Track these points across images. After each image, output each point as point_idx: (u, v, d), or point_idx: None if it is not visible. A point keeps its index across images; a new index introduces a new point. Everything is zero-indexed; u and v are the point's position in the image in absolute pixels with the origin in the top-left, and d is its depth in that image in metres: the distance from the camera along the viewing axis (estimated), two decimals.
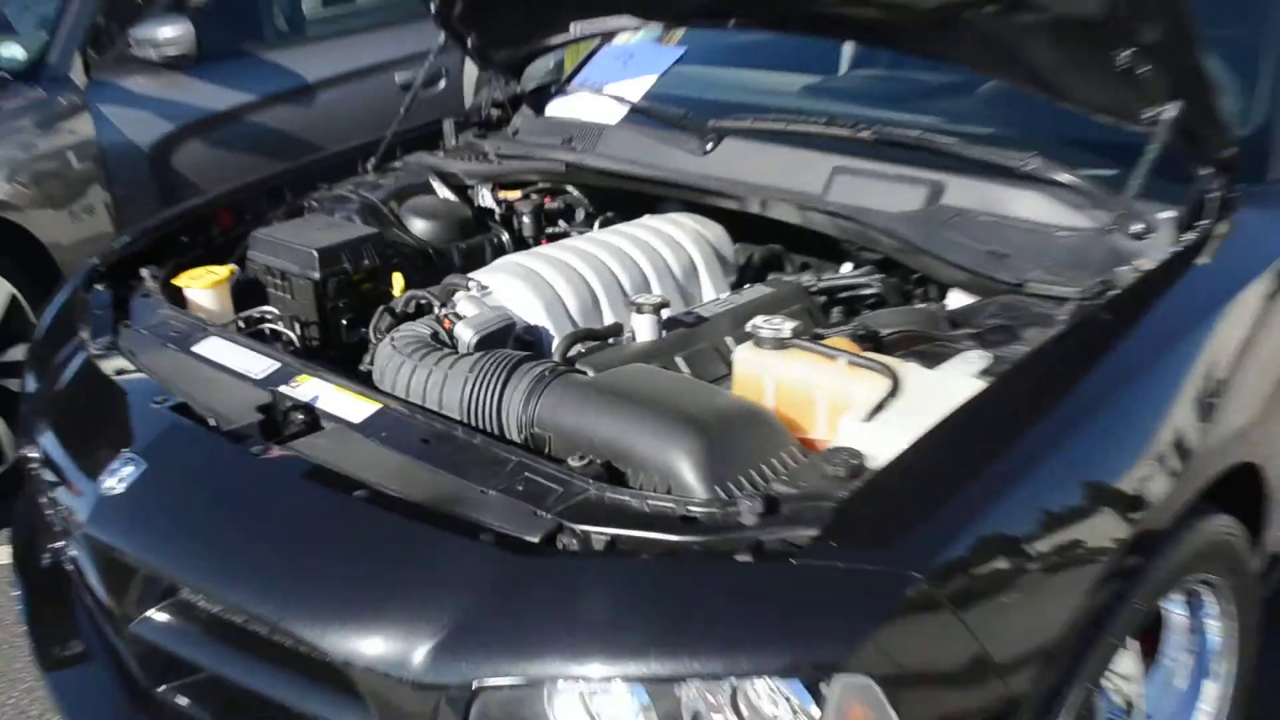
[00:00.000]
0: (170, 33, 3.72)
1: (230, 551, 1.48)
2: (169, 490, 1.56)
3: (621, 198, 2.37)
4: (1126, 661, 1.62)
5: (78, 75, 3.71)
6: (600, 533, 1.33)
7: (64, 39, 3.75)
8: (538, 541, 1.33)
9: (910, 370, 1.55)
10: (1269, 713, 2.19)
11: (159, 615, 1.59)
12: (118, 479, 1.56)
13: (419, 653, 1.28)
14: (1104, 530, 1.39)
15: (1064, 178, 1.87)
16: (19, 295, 3.36)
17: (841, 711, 1.18)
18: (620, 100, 2.59)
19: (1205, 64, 1.65)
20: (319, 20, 4.65)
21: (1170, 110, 1.68)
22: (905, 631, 1.21)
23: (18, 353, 3.35)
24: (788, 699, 1.20)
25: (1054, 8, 1.62)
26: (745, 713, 1.23)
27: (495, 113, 2.79)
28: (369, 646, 1.31)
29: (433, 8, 2.58)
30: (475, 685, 1.26)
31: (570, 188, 2.46)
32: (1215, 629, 1.79)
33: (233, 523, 1.51)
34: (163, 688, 1.61)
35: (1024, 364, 1.53)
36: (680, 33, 2.93)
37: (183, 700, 1.59)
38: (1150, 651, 1.74)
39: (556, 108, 2.77)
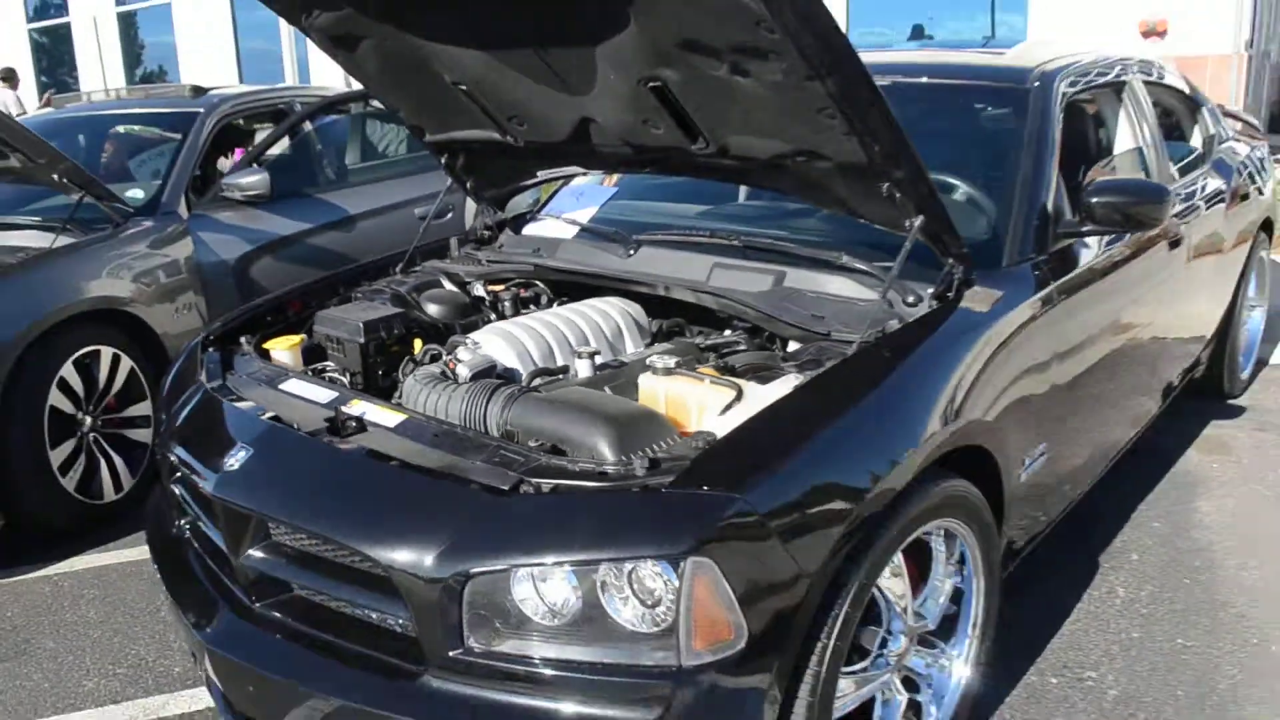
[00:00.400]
0: (251, 180, 4.03)
1: (309, 500, 1.81)
2: (268, 466, 1.90)
3: (571, 287, 2.66)
4: (899, 583, 1.98)
5: (182, 210, 3.97)
6: (546, 482, 1.68)
7: (172, 185, 4.09)
8: (507, 489, 1.68)
9: (749, 386, 1.94)
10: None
11: (257, 551, 1.92)
12: (235, 460, 1.90)
13: (430, 558, 1.62)
14: (865, 480, 1.74)
15: (860, 266, 2.28)
16: (136, 367, 3.66)
17: (692, 582, 1.53)
18: (573, 223, 2.97)
19: (937, 192, 2.07)
20: (358, 170, 4.88)
21: (917, 221, 2.10)
22: (733, 531, 1.57)
23: (136, 409, 3.66)
24: (659, 574, 1.56)
25: (836, 158, 2.04)
26: (635, 585, 1.57)
27: (486, 233, 3.10)
28: (400, 555, 1.64)
29: (443, 161, 2.99)
30: (468, 573, 1.60)
31: (538, 281, 2.73)
32: (968, 558, 2.13)
33: (310, 483, 1.85)
34: (259, 604, 1.94)
35: (818, 378, 1.92)
36: (616, 176, 3.34)
37: (275, 613, 1.90)
38: (924, 575, 2.09)
39: (530, 229, 3.09)
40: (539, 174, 2.94)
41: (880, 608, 1.94)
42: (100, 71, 13.59)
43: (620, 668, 1.57)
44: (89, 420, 3.47)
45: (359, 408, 2.02)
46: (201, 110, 4.33)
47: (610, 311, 2.47)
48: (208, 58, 14.55)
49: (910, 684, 2.10)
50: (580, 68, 2.17)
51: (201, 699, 2.52)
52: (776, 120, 2.01)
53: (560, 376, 2.17)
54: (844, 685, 1.85)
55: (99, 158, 4.48)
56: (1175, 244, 3.11)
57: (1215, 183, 3.66)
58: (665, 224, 2.76)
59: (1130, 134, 3.23)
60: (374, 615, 1.78)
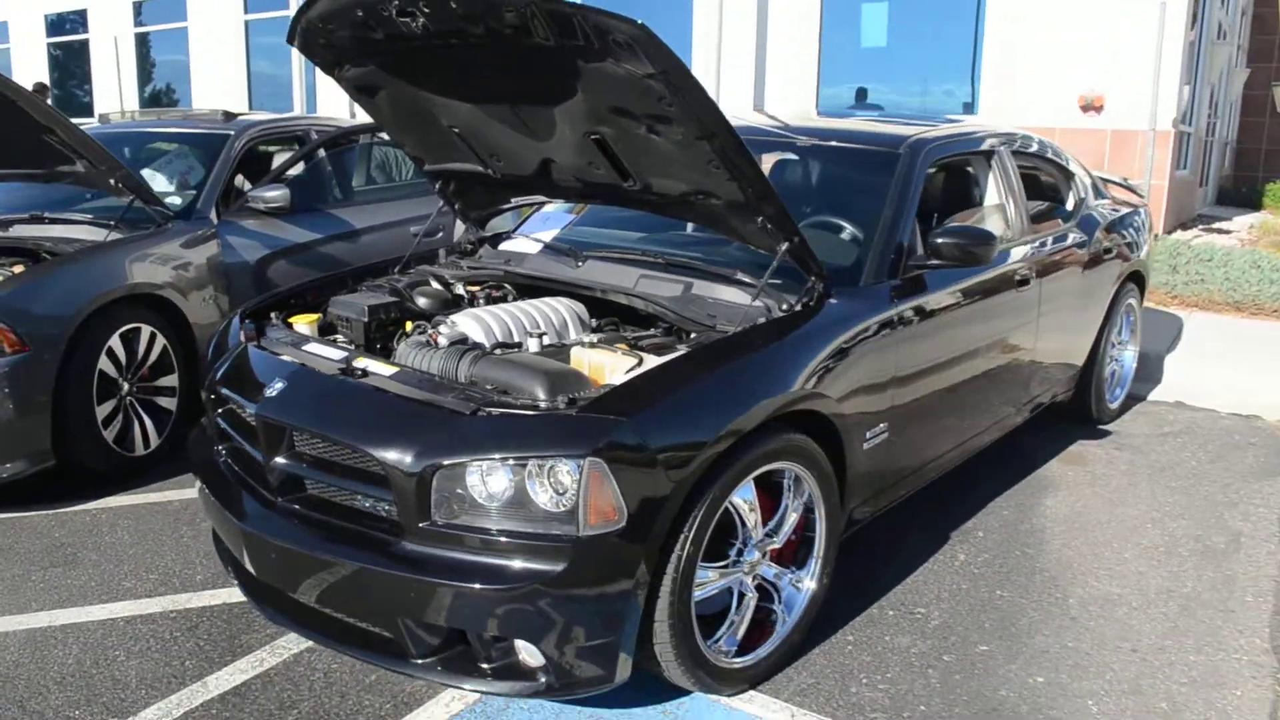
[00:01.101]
0: (274, 194, 4.79)
1: (330, 414, 2.54)
2: (298, 392, 2.63)
3: (532, 289, 3.39)
4: (751, 513, 2.70)
5: (213, 217, 4.74)
6: (496, 409, 2.42)
7: (205, 195, 4.84)
8: (468, 413, 2.42)
9: (649, 357, 2.70)
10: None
11: (282, 459, 2.64)
12: (273, 390, 2.64)
13: (410, 455, 2.35)
14: (721, 421, 2.46)
15: (746, 279, 3.04)
16: (168, 345, 4.39)
17: (588, 476, 2.27)
18: (538, 241, 3.75)
19: (797, 227, 2.84)
20: (364, 191, 5.63)
21: (783, 246, 2.86)
22: (618, 443, 2.30)
23: (166, 380, 4.38)
24: (568, 471, 2.29)
25: (724, 197, 2.81)
26: (551, 479, 2.30)
27: (469, 246, 3.87)
28: (390, 454, 2.36)
29: (437, 186, 3.75)
30: (438, 465, 2.33)
31: (506, 284, 3.44)
32: (811, 493, 2.84)
33: (330, 404, 2.58)
34: (281, 499, 2.66)
35: (695, 351, 2.68)
36: (585, 206, 4.10)
37: (295, 505, 2.62)
38: (775, 506, 2.82)
39: (505, 245, 3.82)
40: (513, 200, 3.71)
41: (737, 525, 2.66)
42: (117, 88, 14.38)
43: (537, 535, 2.30)
44: (127, 385, 4.19)
45: (363, 363, 2.76)
46: (232, 133, 5.11)
47: (559, 307, 3.21)
48: (219, 78, 15.41)
49: (767, 594, 2.82)
50: (543, 122, 2.94)
51: (219, 596, 3.22)
52: (681, 168, 2.78)
53: (514, 349, 2.92)
54: (708, 574, 2.58)
55: (143, 166, 5.22)
56: (1023, 283, 3.88)
57: (1076, 236, 4.45)
58: (608, 244, 3.53)
59: (995, 192, 4.03)
60: (367, 503, 2.50)
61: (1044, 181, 4.65)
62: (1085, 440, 4.84)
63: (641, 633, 2.45)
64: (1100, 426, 5.02)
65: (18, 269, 4.12)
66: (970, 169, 4.07)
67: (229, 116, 5.41)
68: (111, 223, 4.48)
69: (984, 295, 3.64)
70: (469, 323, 3.01)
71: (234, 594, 3.19)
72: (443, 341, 2.88)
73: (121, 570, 3.43)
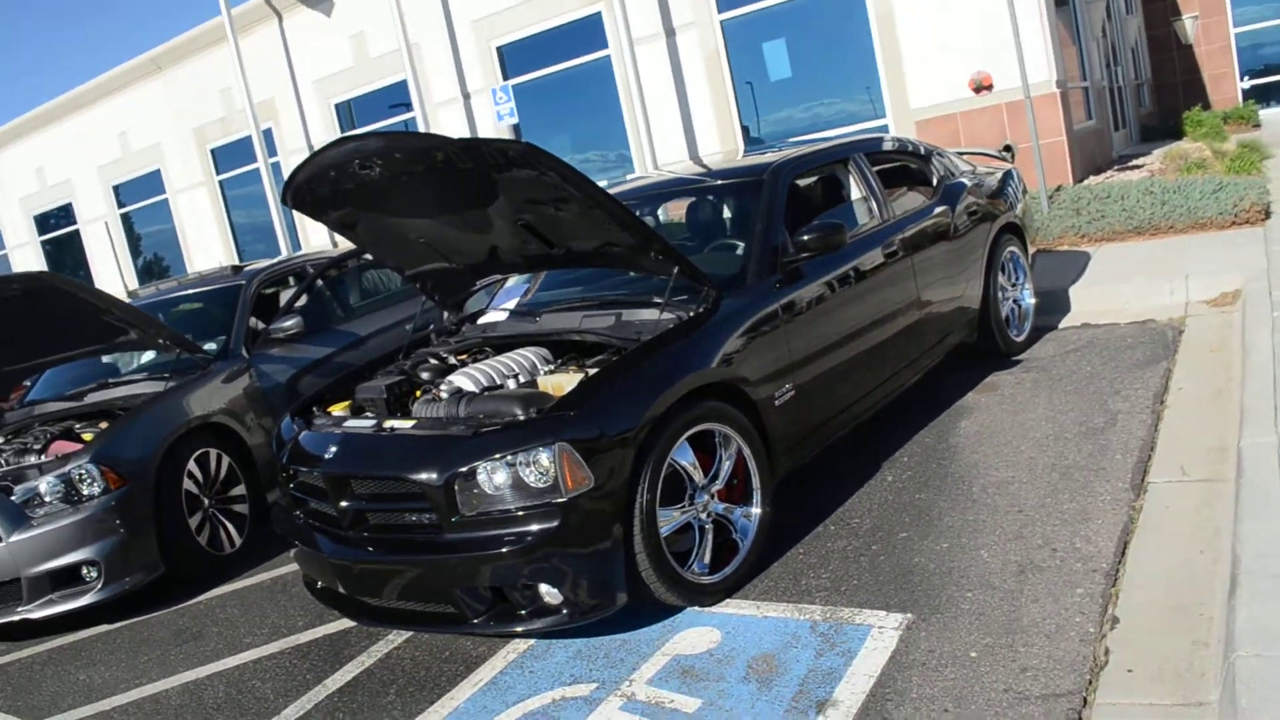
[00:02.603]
0: (289, 323, 5.86)
1: (373, 459, 3.56)
2: (349, 451, 3.65)
3: (506, 345, 4.41)
4: (695, 469, 3.67)
5: (244, 353, 5.84)
6: (488, 428, 3.42)
7: (234, 336, 5.91)
8: (470, 434, 3.42)
9: (592, 371, 3.70)
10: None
11: (347, 501, 3.64)
12: (329, 453, 3.65)
13: (435, 472, 3.35)
14: (652, 396, 3.46)
15: (659, 300, 4.04)
16: (232, 462, 5.42)
17: (560, 456, 3.25)
18: (505, 309, 4.79)
19: (679, 253, 3.85)
20: (360, 305, 6.71)
21: (674, 270, 3.88)
22: (576, 429, 3.28)
23: (236, 490, 5.40)
24: (546, 457, 3.27)
25: (622, 244, 3.84)
26: (535, 465, 3.28)
27: (453, 327, 4.93)
28: (423, 475, 3.36)
29: (417, 286, 4.79)
30: (456, 472, 3.32)
31: (486, 347, 4.47)
32: (739, 445, 3.82)
33: (372, 451, 3.59)
34: (351, 531, 3.65)
35: (624, 355, 3.68)
36: (540, 275, 5.14)
37: (365, 533, 3.60)
38: (714, 459, 3.79)
39: (482, 319, 4.90)
40: (478, 283, 4.76)
41: (685, 478, 3.63)
42: (115, 265, 15.65)
43: (535, 505, 3.28)
44: (207, 499, 5.21)
45: (390, 424, 3.77)
46: (244, 282, 6.20)
47: (528, 354, 4.22)
48: (205, 236, 16.73)
49: (724, 528, 3.78)
50: (483, 220, 4.00)
51: (319, 631, 4.18)
52: (586, 230, 3.82)
53: (498, 389, 3.92)
54: (671, 514, 3.55)
55: (179, 325, 6.30)
56: (892, 255, 4.88)
57: (941, 208, 5.46)
58: (557, 299, 4.57)
59: (857, 190, 5.06)
60: (412, 518, 3.49)
61: (908, 170, 5.68)
62: (998, 371, 5.80)
63: (629, 566, 3.41)
64: (1012, 358, 5.97)
65: (104, 425, 5.16)
66: (832, 176, 5.10)
67: (236, 269, 6.51)
68: (166, 375, 5.53)
69: (859, 272, 4.65)
70: (462, 379, 4.02)
71: (331, 626, 4.16)
72: (444, 395, 3.89)
73: (239, 632, 4.41)
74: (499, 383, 4.01)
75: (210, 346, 5.88)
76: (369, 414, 4.21)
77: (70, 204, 18.53)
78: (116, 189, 17.88)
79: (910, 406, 5.36)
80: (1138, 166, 11.40)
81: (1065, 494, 4.05)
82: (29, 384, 6.34)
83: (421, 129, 13.06)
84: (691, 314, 3.93)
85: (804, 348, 4.20)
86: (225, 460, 5.34)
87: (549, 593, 3.35)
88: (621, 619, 3.56)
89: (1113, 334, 6.13)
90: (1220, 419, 4.42)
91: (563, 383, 3.70)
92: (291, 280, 6.68)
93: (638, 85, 11.72)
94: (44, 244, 19.54)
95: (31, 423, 5.55)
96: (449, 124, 13.59)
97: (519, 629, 3.39)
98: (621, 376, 3.55)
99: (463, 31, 13.21)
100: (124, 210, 18.03)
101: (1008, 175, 6.40)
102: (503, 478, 3.32)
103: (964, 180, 5.88)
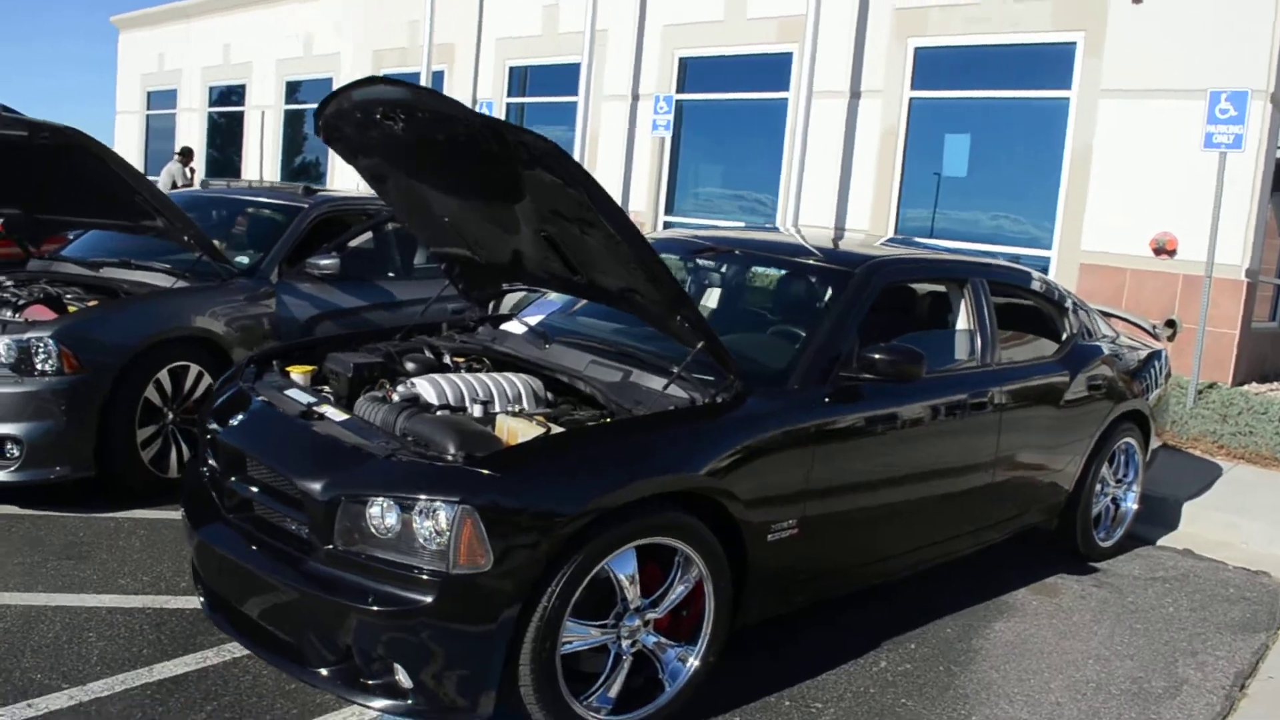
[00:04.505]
0: (327, 262, 5.42)
1: (269, 444, 2.99)
2: (255, 425, 3.09)
3: (505, 364, 3.76)
4: (632, 586, 2.96)
5: (274, 277, 5.42)
6: (406, 456, 2.80)
7: (270, 258, 5.50)
8: (383, 456, 2.81)
9: (555, 429, 3.04)
10: None
11: (236, 479, 3.08)
12: (236, 420, 3.10)
13: (321, 484, 2.75)
14: (594, 489, 2.74)
15: (678, 373, 3.35)
16: (213, 384, 4.97)
17: (460, 521, 2.60)
18: (524, 324, 4.18)
19: (710, 329, 3.16)
20: (410, 269, 6.18)
21: (699, 344, 3.19)
22: (490, 493, 2.63)
23: None
24: (445, 515, 2.63)
25: (646, 295, 3.17)
26: (431, 520, 2.64)
27: (471, 323, 4.34)
28: (308, 483, 2.78)
29: (442, 267, 4.23)
30: (342, 496, 2.72)
31: (485, 358, 3.81)
32: (701, 574, 3.07)
33: (273, 436, 3.03)
34: (233, 515, 3.09)
35: (594, 426, 3.00)
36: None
37: (243, 522, 3.05)
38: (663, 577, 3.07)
39: (505, 325, 4.29)
40: (504, 286, 4.16)
41: (617, 592, 2.93)
42: (263, 158, 15.85)
43: (414, 568, 2.65)
44: (170, 414, 4.76)
45: (325, 409, 3.20)
46: (306, 206, 5.78)
47: (517, 382, 3.58)
48: None
49: (649, 663, 3.06)
50: (508, 218, 3.39)
51: (194, 602, 3.65)
52: (610, 265, 3.17)
53: (458, 412, 3.30)
54: (588, 630, 2.86)
55: (225, 227, 5.94)
56: (979, 407, 4.06)
57: (1058, 369, 4.59)
58: (580, 331, 3.93)
59: (965, 318, 4.26)
60: (293, 525, 2.90)
61: (1038, 315, 4.82)
62: (1067, 573, 4.88)
63: (508, 675, 2.74)
64: (1090, 563, 5.04)
65: (92, 303, 4.79)
66: (939, 296, 4.31)
67: (309, 192, 6.11)
68: (184, 273, 5.13)
69: (931, 414, 3.85)
70: (426, 385, 3.42)
71: None
72: (395, 398, 3.30)
73: (123, 569, 3.92)
74: (464, 405, 3.39)
75: (241, 260, 5.48)
76: (327, 389, 3.66)
77: (245, 85, 18.96)
78: (290, 85, 18.19)
79: (946, 579, 4.51)
80: None
81: None
82: (71, 238, 6.08)
83: (582, 118, 12.67)
84: (705, 401, 3.24)
85: (828, 479, 3.44)
86: (205, 380, 4.89)
87: (402, 672, 2.71)
88: None
89: (1215, 575, 5.12)
90: None
91: (519, 431, 3.06)
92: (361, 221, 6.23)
93: (804, 139, 11.01)
94: (211, 115, 20.08)
95: (40, 277, 5.24)
96: (610, 120, 13.17)
97: (358, 699, 2.76)
98: (579, 447, 2.88)
99: (651, 32, 12.76)
100: (290, 107, 18.32)
101: (1154, 355, 5.45)
102: (393, 521, 2.69)
103: (1100, 346, 4.98)
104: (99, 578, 3.84)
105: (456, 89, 15.13)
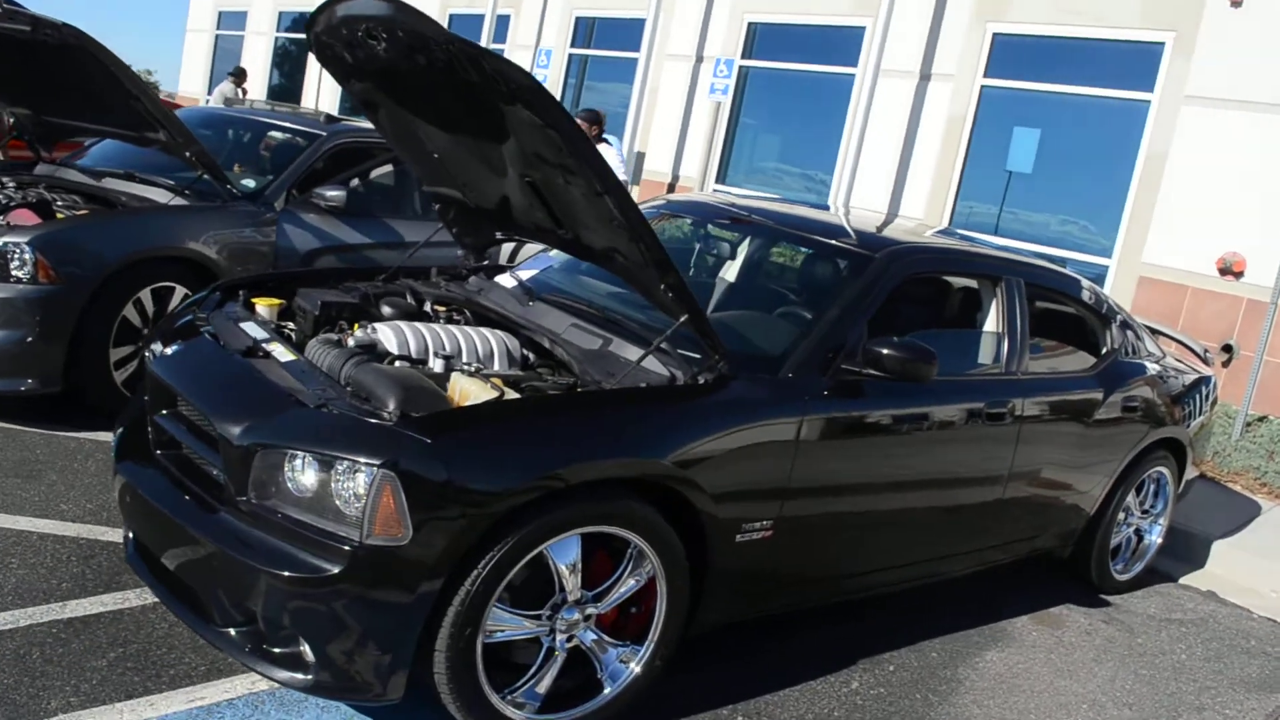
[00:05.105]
0: (333, 194, 5.15)
1: (194, 379, 2.73)
2: (189, 357, 2.83)
3: (486, 318, 3.45)
4: (572, 580, 2.65)
5: (279, 204, 5.18)
6: (338, 409, 2.52)
7: (278, 184, 5.25)
8: (313, 406, 2.54)
9: (510, 393, 2.74)
10: None
11: (163, 414, 2.84)
12: (171, 349, 2.84)
13: (240, 429, 2.49)
14: (538, 467, 2.44)
15: (662, 347, 3.01)
16: None
17: (379, 486, 2.32)
18: (516, 278, 3.87)
19: (697, 302, 2.82)
20: (425, 211, 5.72)
21: (682, 317, 2.85)
22: (415, 459, 2.33)
23: None
24: (365, 479, 2.35)
25: (629, 258, 2.84)
26: (351, 482, 2.37)
27: (464, 271, 4.04)
28: (228, 426, 2.51)
29: (436, 209, 3.92)
30: (261, 444, 2.45)
31: (466, 310, 3.50)
32: (655, 570, 2.76)
33: (203, 372, 2.77)
34: (160, 452, 2.85)
35: (549, 396, 2.69)
36: None
37: (169, 462, 2.81)
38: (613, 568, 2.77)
39: (499, 277, 4.00)
40: (498, 235, 3.85)
41: (555, 581, 2.64)
42: (318, 88, 15.67)
43: (326, 533, 2.37)
44: (147, 334, 4.55)
45: (272, 347, 2.93)
46: (324, 135, 5.51)
47: (490, 338, 3.29)
48: None
49: (587, 662, 2.77)
50: (496, 159, 3.07)
51: (117, 536, 3.42)
52: (593, 221, 2.84)
53: (418, 364, 3.01)
54: (518, 619, 2.58)
55: (239, 147, 5.70)
56: (997, 418, 3.68)
57: (1091, 385, 4.18)
58: (569, 290, 3.60)
59: (993, 321, 3.86)
60: (216, 472, 2.65)
61: (1078, 325, 4.41)
62: (1076, 604, 4.50)
63: (422, 660, 2.47)
64: (1102, 594, 4.65)
65: (82, 213, 4.57)
66: (969, 292, 3.92)
67: (331, 120, 5.84)
68: (185, 191, 4.90)
69: (939, 421, 3.49)
70: (388, 332, 3.13)
71: None
72: (350, 343, 3.02)
73: (69, 494, 3.72)
74: (426, 358, 3.11)
75: (248, 184, 5.23)
76: (293, 325, 3.40)
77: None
78: None
79: (943, 596, 4.17)
80: None
81: None
82: (87, 146, 5.89)
83: (641, 75, 12.26)
84: (685, 380, 2.91)
85: (813, 481, 3.11)
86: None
87: (305, 646, 2.45)
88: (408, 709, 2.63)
89: (1237, 624, 4.69)
90: None
91: (471, 393, 2.76)
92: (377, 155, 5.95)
93: (865, 118, 10.50)
94: (280, 40, 19.92)
95: (40, 182, 5.04)
96: (671, 80, 12.73)
97: (258, 667, 2.50)
98: (531, 418, 2.58)
99: None
100: None
101: (1201, 381, 5.00)
102: (311, 479, 2.42)
103: (1143, 364, 4.56)
104: (41, 500, 3.64)
105: (521, 34, 14.77)
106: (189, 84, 22.11)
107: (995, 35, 10.19)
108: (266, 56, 19.79)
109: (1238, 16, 8.54)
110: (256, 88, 16.62)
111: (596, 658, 2.77)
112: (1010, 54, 10.14)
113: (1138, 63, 9.23)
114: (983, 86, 10.26)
